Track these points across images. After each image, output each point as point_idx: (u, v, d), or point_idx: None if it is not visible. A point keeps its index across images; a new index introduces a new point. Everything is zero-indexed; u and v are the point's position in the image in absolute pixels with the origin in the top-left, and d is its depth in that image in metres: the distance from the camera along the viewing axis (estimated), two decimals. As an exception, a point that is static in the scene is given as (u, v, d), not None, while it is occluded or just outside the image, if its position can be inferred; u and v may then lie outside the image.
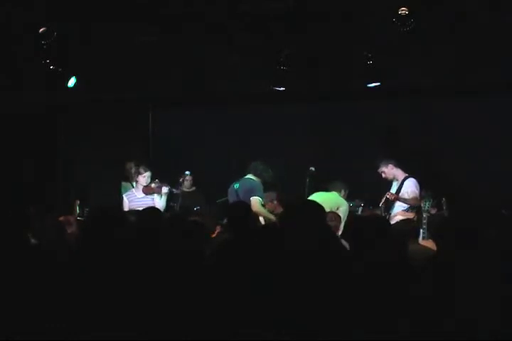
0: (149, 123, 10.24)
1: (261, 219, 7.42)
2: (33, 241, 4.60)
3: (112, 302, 3.44)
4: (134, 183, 8.36)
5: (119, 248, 3.77)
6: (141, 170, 8.01)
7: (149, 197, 7.95)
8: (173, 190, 8.06)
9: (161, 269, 3.64)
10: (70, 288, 3.52)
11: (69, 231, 5.62)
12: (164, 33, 7.37)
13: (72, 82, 8.28)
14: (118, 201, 8.33)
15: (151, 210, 5.62)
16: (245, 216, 4.95)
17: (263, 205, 7.70)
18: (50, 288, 3.57)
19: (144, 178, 7.96)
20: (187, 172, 8.36)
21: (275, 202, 8.49)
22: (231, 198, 7.67)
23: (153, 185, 7.97)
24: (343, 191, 8.02)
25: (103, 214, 4.06)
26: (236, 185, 7.71)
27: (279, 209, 8.38)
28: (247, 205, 5.87)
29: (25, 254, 3.97)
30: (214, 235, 5.69)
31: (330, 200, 7.58)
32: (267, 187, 8.07)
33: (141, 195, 7.97)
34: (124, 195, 8.11)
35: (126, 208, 7.90)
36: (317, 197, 7.56)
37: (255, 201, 7.40)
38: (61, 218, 5.85)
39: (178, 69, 8.29)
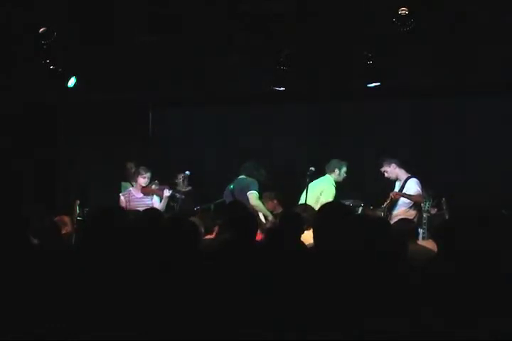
0: (149, 123, 10.24)
1: (260, 215, 7.49)
2: (33, 241, 4.60)
3: (111, 303, 3.44)
4: (134, 183, 8.37)
5: (118, 248, 3.77)
6: (142, 170, 8.01)
7: (148, 197, 7.95)
8: (176, 194, 8.06)
9: (160, 269, 3.63)
10: (69, 288, 3.52)
11: (64, 231, 5.63)
12: (164, 33, 7.36)
13: (72, 82, 8.27)
14: (118, 201, 8.33)
15: (151, 211, 5.63)
16: (246, 216, 4.96)
17: (262, 202, 7.78)
18: (49, 288, 3.56)
19: (144, 179, 7.97)
20: (187, 173, 8.36)
21: (275, 201, 8.52)
22: (227, 199, 7.73)
23: (153, 186, 7.97)
24: (337, 170, 8.12)
25: (103, 214, 4.06)
26: (231, 186, 7.81)
27: (279, 209, 8.42)
28: (246, 205, 5.91)
29: (25, 254, 3.97)
30: (213, 236, 5.68)
31: (314, 189, 7.79)
32: (265, 187, 8.11)
33: (139, 195, 7.98)
34: (120, 194, 8.11)
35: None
36: (308, 189, 7.71)
37: (252, 195, 7.53)
38: (56, 218, 5.87)
39: (178, 69, 8.29)
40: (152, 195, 7.94)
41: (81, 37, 7.53)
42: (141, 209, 7.27)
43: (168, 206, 8.05)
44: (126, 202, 7.93)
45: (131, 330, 3.32)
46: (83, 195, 8.28)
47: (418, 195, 7.68)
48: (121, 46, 7.86)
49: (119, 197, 8.11)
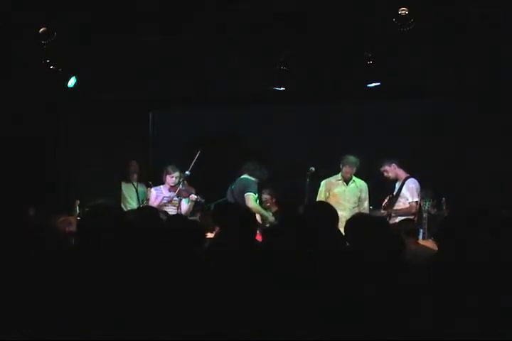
0: (149, 123, 10.24)
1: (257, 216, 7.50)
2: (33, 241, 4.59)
3: (110, 303, 3.44)
4: (135, 183, 8.39)
5: (117, 247, 3.77)
6: (170, 170, 8.05)
7: (176, 197, 7.97)
8: (201, 200, 8.07)
9: (160, 269, 3.63)
10: (69, 288, 3.52)
11: (69, 231, 5.62)
12: (164, 33, 7.36)
13: (72, 82, 8.27)
14: (118, 201, 8.33)
15: (150, 210, 5.64)
16: (246, 216, 4.96)
17: (261, 203, 7.79)
18: (49, 287, 3.56)
19: (172, 178, 8.00)
20: (187, 173, 8.37)
21: (274, 200, 8.56)
22: (229, 199, 7.75)
23: (180, 186, 7.96)
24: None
25: (101, 213, 4.05)
26: (232, 187, 7.83)
27: (274, 208, 8.48)
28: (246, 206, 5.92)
29: (25, 254, 3.97)
30: (213, 235, 5.69)
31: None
32: (265, 185, 8.13)
33: (167, 194, 7.99)
34: (152, 189, 8.15)
35: (152, 200, 7.93)
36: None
37: (248, 197, 7.55)
38: (62, 218, 5.86)
39: (179, 69, 8.29)
40: (179, 196, 7.96)
41: (81, 37, 7.53)
42: (167, 207, 7.36)
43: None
44: (155, 197, 7.96)
45: (132, 330, 3.32)
46: (83, 195, 8.28)
47: (405, 208, 7.69)
48: (121, 46, 7.86)
49: (118, 197, 8.13)
